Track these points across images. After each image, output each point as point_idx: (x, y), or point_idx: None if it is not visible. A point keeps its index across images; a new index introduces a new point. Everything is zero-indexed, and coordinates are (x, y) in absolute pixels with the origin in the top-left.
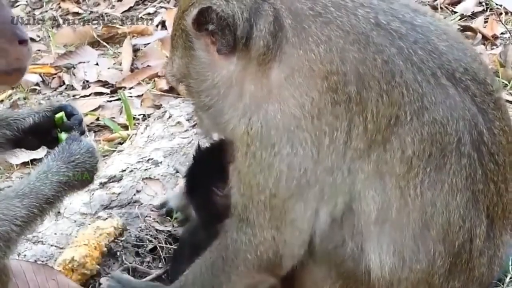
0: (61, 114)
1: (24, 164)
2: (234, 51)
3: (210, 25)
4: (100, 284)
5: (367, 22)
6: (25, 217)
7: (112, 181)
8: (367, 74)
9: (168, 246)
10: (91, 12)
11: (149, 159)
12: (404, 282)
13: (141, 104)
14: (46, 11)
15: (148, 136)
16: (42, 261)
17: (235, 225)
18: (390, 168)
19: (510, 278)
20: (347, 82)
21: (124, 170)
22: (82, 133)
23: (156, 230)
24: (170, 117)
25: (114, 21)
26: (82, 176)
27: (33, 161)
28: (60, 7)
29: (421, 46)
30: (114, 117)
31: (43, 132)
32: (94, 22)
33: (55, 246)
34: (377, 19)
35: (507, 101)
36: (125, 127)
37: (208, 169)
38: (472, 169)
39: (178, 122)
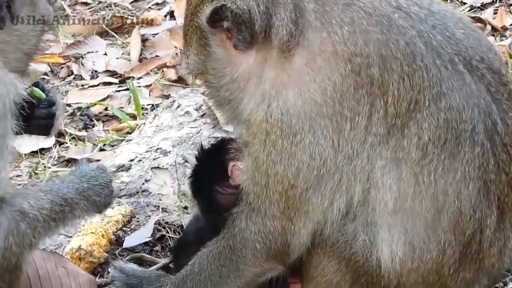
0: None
1: (33, 153)
2: (252, 45)
3: (225, 22)
4: (108, 272)
5: (388, 4)
6: (49, 210)
7: (121, 170)
8: (389, 56)
9: (177, 235)
10: (100, 2)
11: (157, 149)
12: (415, 272)
13: (149, 94)
14: (55, 0)
15: (156, 126)
16: (51, 250)
17: (244, 214)
18: (406, 155)
19: None
20: (370, 64)
21: (133, 160)
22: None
23: (164, 221)
24: (178, 106)
25: (123, 11)
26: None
27: (41, 150)
28: None
29: (439, 31)
30: (122, 107)
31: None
32: (102, 12)
33: (64, 234)
34: (397, 2)
35: None
36: (134, 117)
37: (211, 169)
38: (485, 159)
39: (187, 112)
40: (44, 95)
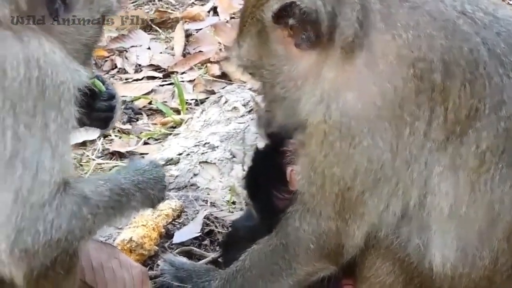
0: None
1: (78, 145)
2: (315, 45)
3: (291, 20)
4: (158, 265)
5: (453, 8)
6: (108, 197)
7: (170, 164)
8: (452, 62)
9: (225, 230)
10: None
11: (205, 143)
12: (466, 278)
13: (193, 89)
14: None
15: (204, 121)
16: (102, 241)
17: (298, 213)
18: (464, 162)
19: None
20: (433, 70)
21: (181, 154)
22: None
23: (213, 215)
24: (226, 102)
25: (166, 6)
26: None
27: (86, 143)
28: None
29: (503, 38)
30: (166, 101)
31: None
32: (146, 6)
33: (114, 226)
34: (462, 7)
35: None
36: (177, 111)
37: (269, 173)
38: None
39: (234, 107)
40: (104, 88)
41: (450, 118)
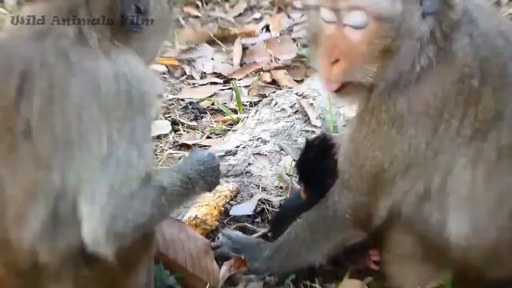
0: None
1: (153, 138)
2: None
3: None
4: (218, 238)
5: (495, 27)
6: (179, 187)
7: (229, 155)
8: (488, 71)
9: (274, 209)
10: (208, 16)
11: (258, 138)
12: (476, 248)
13: (248, 93)
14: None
15: (257, 119)
16: (173, 217)
17: (337, 190)
18: (485, 155)
19: None
20: (473, 75)
21: (238, 146)
22: None
23: (265, 198)
24: (276, 104)
25: (227, 23)
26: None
27: (161, 136)
28: (183, 10)
29: None
30: (225, 103)
31: None
32: (210, 24)
33: (183, 206)
34: (500, 28)
35: None
36: (235, 111)
37: (323, 164)
38: None
39: (283, 109)
40: None
41: (479, 118)
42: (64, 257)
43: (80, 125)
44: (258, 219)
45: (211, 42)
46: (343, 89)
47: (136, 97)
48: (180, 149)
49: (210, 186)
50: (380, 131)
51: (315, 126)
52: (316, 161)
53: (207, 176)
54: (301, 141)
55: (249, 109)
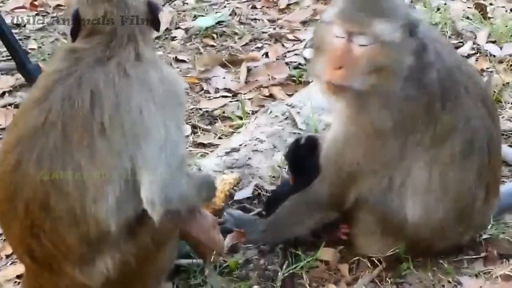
0: None
1: None
2: None
3: None
4: (224, 215)
5: (455, 60)
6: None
7: (233, 151)
8: (446, 96)
9: (267, 194)
10: (222, 45)
11: (256, 138)
12: (427, 225)
13: (251, 104)
14: (193, 44)
15: (256, 124)
16: None
17: (318, 181)
18: (440, 159)
19: (491, 225)
20: (437, 100)
21: (241, 145)
22: None
23: (260, 185)
24: (271, 112)
25: (236, 51)
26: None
27: None
28: (202, 41)
29: (473, 82)
30: (233, 111)
31: None
32: (223, 51)
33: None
34: (458, 62)
35: None
36: (240, 118)
37: (311, 160)
38: (483, 159)
39: (276, 116)
40: None
41: (438, 131)
42: (121, 228)
43: (143, 120)
44: (256, 201)
45: (223, 65)
46: (339, 90)
47: (176, 93)
48: (197, 147)
49: (210, 197)
50: (362, 137)
51: (301, 129)
52: (302, 156)
53: (209, 189)
54: (290, 141)
55: (251, 116)
